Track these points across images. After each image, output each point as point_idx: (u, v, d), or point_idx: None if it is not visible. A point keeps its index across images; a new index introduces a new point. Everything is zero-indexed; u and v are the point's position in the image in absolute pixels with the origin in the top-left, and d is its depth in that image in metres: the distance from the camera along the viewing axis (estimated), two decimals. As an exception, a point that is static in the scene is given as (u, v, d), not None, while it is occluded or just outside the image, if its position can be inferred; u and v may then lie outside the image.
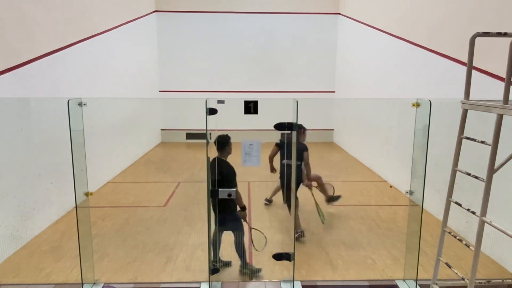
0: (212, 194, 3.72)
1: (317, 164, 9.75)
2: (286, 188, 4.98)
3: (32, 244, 4.85)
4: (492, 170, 2.70)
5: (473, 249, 2.82)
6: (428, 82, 6.34)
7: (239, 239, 4.20)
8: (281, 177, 5.30)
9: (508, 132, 3.09)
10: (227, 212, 4.01)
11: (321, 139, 12.85)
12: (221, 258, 4.31)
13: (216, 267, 4.02)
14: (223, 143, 4.02)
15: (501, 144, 2.69)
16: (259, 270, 4.19)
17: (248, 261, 4.29)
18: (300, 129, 5.90)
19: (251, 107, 3.50)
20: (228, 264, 4.30)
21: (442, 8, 5.92)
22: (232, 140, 4.06)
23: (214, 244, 4.13)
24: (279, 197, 6.82)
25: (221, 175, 3.90)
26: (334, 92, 12.85)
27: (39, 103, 5.26)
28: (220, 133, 4.09)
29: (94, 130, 6.85)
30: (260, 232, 4.29)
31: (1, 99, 4.45)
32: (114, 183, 7.83)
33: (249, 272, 4.17)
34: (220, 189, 3.71)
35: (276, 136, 6.74)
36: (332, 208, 6.29)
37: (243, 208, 4.10)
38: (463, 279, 2.99)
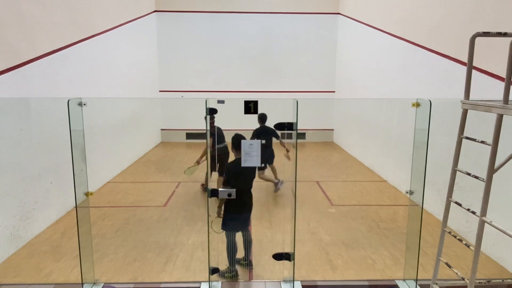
0: (212, 194, 3.72)
1: (317, 163, 9.78)
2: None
3: (32, 244, 4.85)
4: (492, 170, 2.70)
5: (473, 249, 2.82)
6: (428, 82, 6.34)
7: (248, 235, 4.28)
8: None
9: (508, 132, 3.09)
10: (248, 211, 4.04)
11: (321, 139, 12.86)
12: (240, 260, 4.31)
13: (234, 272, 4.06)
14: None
15: (501, 144, 2.69)
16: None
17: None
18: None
19: (251, 107, 3.50)
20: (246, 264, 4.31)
21: (442, 8, 5.92)
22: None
23: (233, 248, 4.09)
24: (281, 199, 6.83)
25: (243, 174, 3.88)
26: (334, 92, 12.85)
27: (39, 103, 5.26)
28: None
29: (94, 130, 6.86)
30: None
31: (1, 99, 4.45)
32: (114, 183, 7.83)
33: (246, 264, 4.26)
34: (220, 189, 3.71)
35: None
36: (333, 208, 6.29)
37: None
38: (463, 279, 2.99)
